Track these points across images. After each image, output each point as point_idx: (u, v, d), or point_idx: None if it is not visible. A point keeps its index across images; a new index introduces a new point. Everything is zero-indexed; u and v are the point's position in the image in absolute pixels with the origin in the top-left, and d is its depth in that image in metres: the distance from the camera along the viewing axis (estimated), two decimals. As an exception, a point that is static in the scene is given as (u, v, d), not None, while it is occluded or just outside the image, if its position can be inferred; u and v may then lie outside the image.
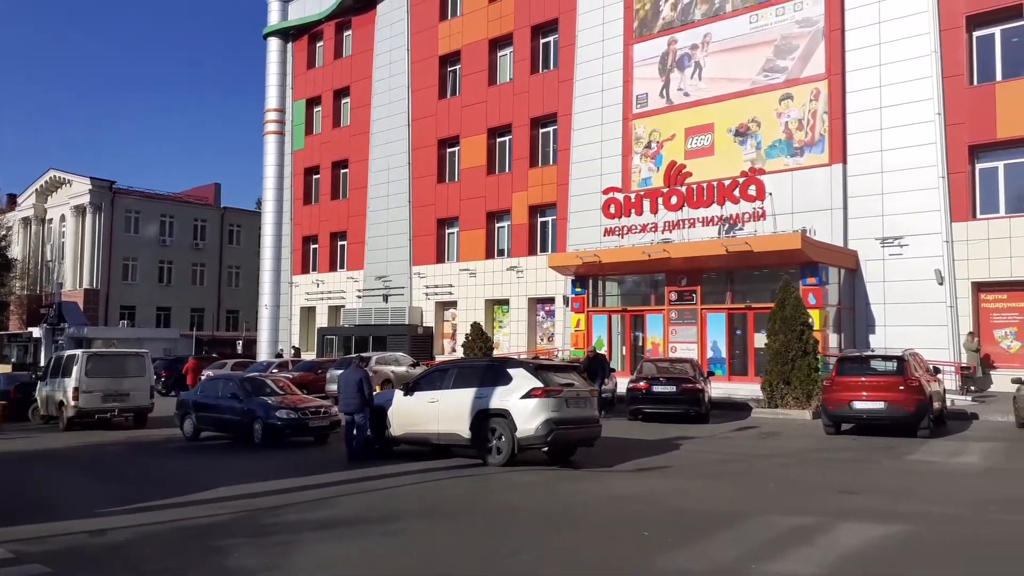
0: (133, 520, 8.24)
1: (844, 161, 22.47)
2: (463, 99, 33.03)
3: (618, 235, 24.56)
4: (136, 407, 18.45)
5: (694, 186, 23.13)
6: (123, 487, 10.68)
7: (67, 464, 13.43)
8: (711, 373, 19.92)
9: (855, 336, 21.92)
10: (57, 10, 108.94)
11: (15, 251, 52.72)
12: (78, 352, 18.85)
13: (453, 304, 32.77)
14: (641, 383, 17.82)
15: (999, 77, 20.94)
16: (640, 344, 24.35)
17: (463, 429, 11.72)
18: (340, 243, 38.35)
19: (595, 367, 18.43)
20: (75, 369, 17.80)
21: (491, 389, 11.63)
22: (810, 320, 18.26)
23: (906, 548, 6.92)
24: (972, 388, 19.63)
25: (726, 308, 22.50)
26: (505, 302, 30.98)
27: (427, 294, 33.44)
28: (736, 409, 18.83)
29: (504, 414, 11.35)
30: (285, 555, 6.84)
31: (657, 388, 17.55)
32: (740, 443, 14.27)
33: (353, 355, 23.69)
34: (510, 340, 30.32)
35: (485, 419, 11.55)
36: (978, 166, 21.14)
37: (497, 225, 31.85)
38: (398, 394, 13.10)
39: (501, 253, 31.54)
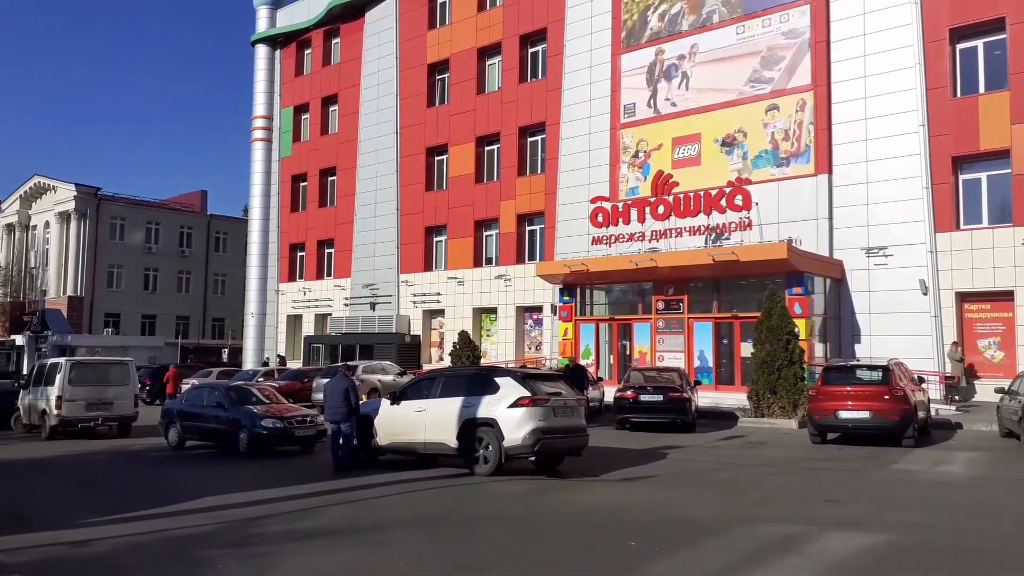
0: (116, 531, 8.16)
1: (830, 171, 22.65)
2: (451, 107, 33.08)
3: (606, 244, 24.63)
4: (120, 416, 18.28)
5: (681, 196, 23.25)
6: (106, 497, 10.58)
7: (49, 474, 13.27)
8: (698, 382, 19.98)
9: (841, 345, 22.05)
10: (43, 14, 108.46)
11: (-2, 258, 52.28)
12: (61, 360, 18.64)
13: (441, 312, 32.72)
14: (628, 392, 17.83)
15: (982, 89, 21.18)
16: (627, 353, 24.39)
17: (450, 438, 11.69)
18: (327, 251, 38.25)
19: (575, 378, 18.42)
20: (58, 377, 17.62)
21: (478, 398, 11.61)
22: (796, 329, 18.36)
23: (890, 557, 6.95)
24: (956, 398, 19.77)
25: (713, 317, 22.59)
26: (493, 311, 30.97)
27: (415, 302, 33.39)
28: (723, 418, 18.89)
29: (491, 423, 11.34)
30: (270, 566, 6.79)
31: (644, 397, 17.57)
32: (727, 452, 14.31)
33: (340, 364, 23.62)
34: (498, 349, 30.29)
35: (472, 428, 11.53)
36: (961, 177, 21.36)
37: (485, 233, 31.87)
38: (385, 403, 13.05)
39: (489, 261, 31.54)
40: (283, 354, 37.90)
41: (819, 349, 21.57)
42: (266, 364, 33.91)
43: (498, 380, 11.75)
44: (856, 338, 21.89)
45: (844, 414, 14.58)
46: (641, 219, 23.83)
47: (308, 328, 37.96)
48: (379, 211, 35.09)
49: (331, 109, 38.96)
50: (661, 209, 23.46)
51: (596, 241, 24.83)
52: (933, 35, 21.52)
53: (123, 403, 18.25)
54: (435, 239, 33.61)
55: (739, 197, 21.94)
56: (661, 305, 23.27)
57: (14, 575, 6.45)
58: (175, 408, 16.60)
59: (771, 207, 22.98)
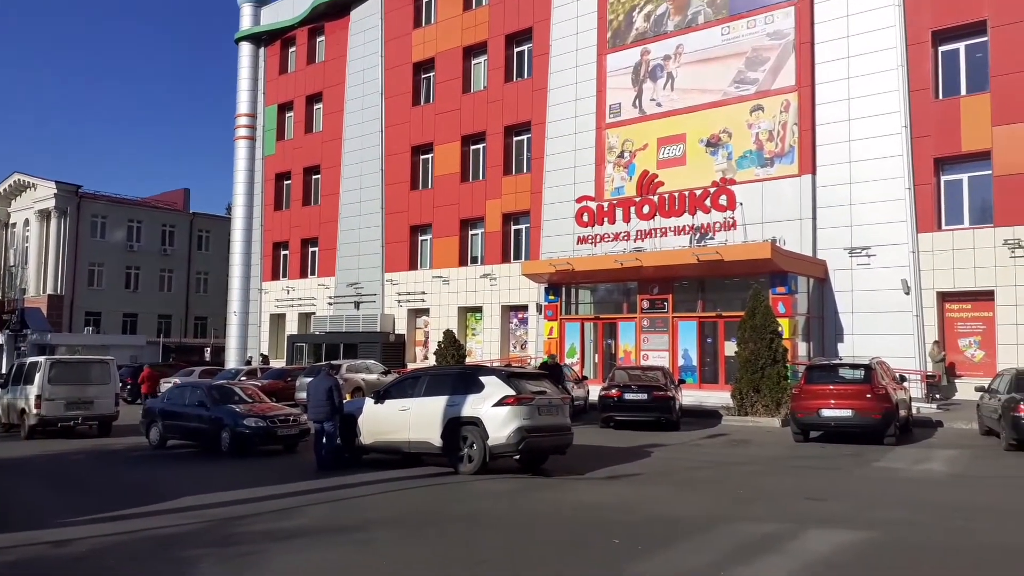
0: (97, 530, 8.07)
1: (813, 172, 22.79)
2: (437, 106, 33.01)
3: (591, 243, 24.66)
4: (100, 415, 18.11)
5: (666, 195, 23.32)
6: (86, 497, 10.47)
7: (28, 473, 13.11)
8: (682, 381, 20.07)
9: (824, 344, 22.20)
10: (24, 9, 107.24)
11: (-23, 255, 51.61)
12: (41, 359, 18.43)
13: (426, 311, 32.65)
14: (613, 391, 17.87)
15: (963, 91, 21.39)
16: (612, 352, 24.45)
17: (434, 437, 11.66)
18: (311, 249, 38.07)
19: (551, 377, 18.40)
20: (38, 376, 17.42)
21: (463, 397, 11.59)
22: (779, 329, 18.47)
23: (872, 554, 6.99)
24: (937, 396, 19.95)
25: (697, 316, 22.68)
26: (478, 309, 30.94)
27: (399, 301, 33.30)
28: (707, 417, 18.97)
29: (476, 422, 11.32)
30: (252, 566, 6.74)
31: (629, 396, 17.61)
32: (710, 450, 14.37)
33: (323, 363, 23.52)
34: (483, 348, 30.27)
35: (457, 427, 11.50)
36: (943, 178, 21.55)
37: (471, 232, 31.83)
38: (368, 402, 13.00)
39: (474, 260, 31.51)
40: (266, 353, 37.66)
41: (802, 348, 21.72)
42: (249, 363, 33.70)
43: (483, 379, 11.74)
44: (839, 337, 22.04)
45: (827, 412, 14.68)
46: (626, 219, 23.89)
47: (291, 327, 37.77)
48: (364, 210, 34.96)
49: (315, 107, 38.78)
50: (646, 209, 23.53)
51: (581, 240, 24.86)
52: (916, 37, 21.71)
53: (103, 402, 18.08)
54: (420, 238, 33.53)
55: (723, 197, 22.03)
56: (646, 304, 23.34)
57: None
58: (156, 407, 16.45)
59: (755, 207, 23.09)
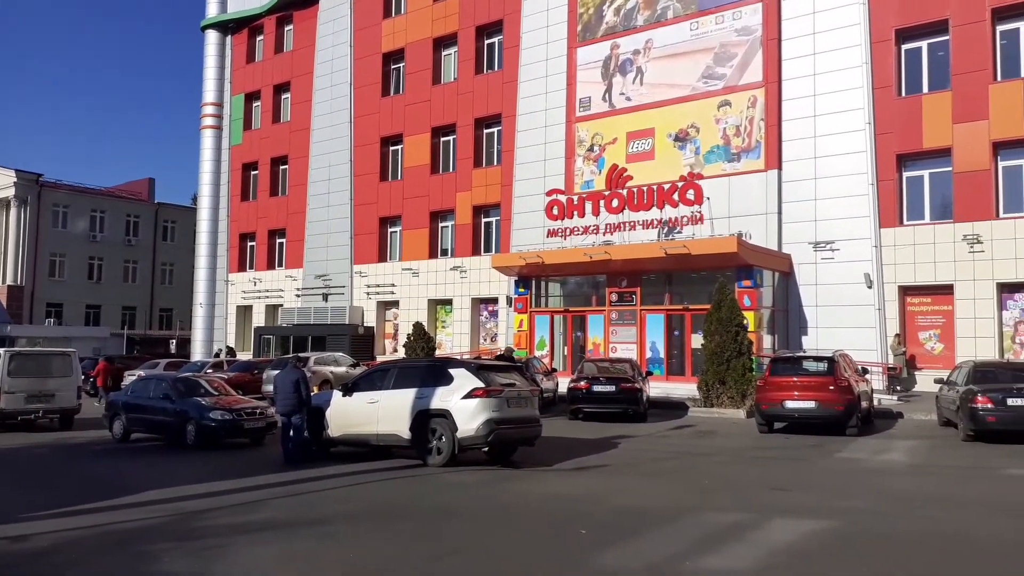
0: (57, 525, 7.95)
1: (779, 167, 23.08)
2: (407, 97, 32.82)
3: (561, 236, 24.74)
4: (62, 408, 17.76)
5: (635, 189, 23.47)
6: (47, 491, 10.28)
7: (-13, 468, 12.86)
8: (650, 373, 20.23)
9: (788, 337, 22.53)
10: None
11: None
12: (0, 351, 18.06)
13: (395, 304, 32.52)
14: (582, 383, 17.99)
15: (925, 89, 21.79)
16: (581, 344, 24.58)
17: (403, 430, 11.65)
18: (279, 240, 37.69)
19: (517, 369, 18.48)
20: (-3, 369, 17.06)
21: (432, 389, 11.59)
22: (745, 321, 18.70)
23: (835, 543, 7.13)
24: (898, 388, 20.37)
25: (664, 309, 22.89)
26: (448, 302, 30.89)
27: (368, 293, 33.11)
28: (673, 408, 19.16)
29: (445, 414, 11.33)
30: (215, 559, 6.69)
31: (597, 388, 17.74)
32: (677, 442, 14.53)
33: (290, 355, 23.32)
34: (453, 340, 30.24)
35: (425, 419, 11.50)
36: (905, 174, 21.96)
37: (441, 225, 31.75)
38: (336, 395, 12.94)
39: (444, 253, 31.43)
40: (231, 345, 37.22)
41: (767, 341, 22.03)
42: (217, 356, 33.28)
43: (452, 371, 11.75)
44: (803, 330, 22.38)
45: (790, 404, 14.91)
46: (595, 212, 24.00)
47: (258, 319, 37.39)
48: (332, 201, 34.67)
49: (283, 97, 38.33)
50: (615, 203, 23.66)
51: (551, 233, 24.93)
52: (880, 35, 22.05)
53: (65, 395, 17.74)
54: (390, 230, 33.36)
55: (691, 192, 22.22)
56: (614, 297, 23.49)
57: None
58: (120, 400, 16.22)
59: (722, 201, 23.31)
